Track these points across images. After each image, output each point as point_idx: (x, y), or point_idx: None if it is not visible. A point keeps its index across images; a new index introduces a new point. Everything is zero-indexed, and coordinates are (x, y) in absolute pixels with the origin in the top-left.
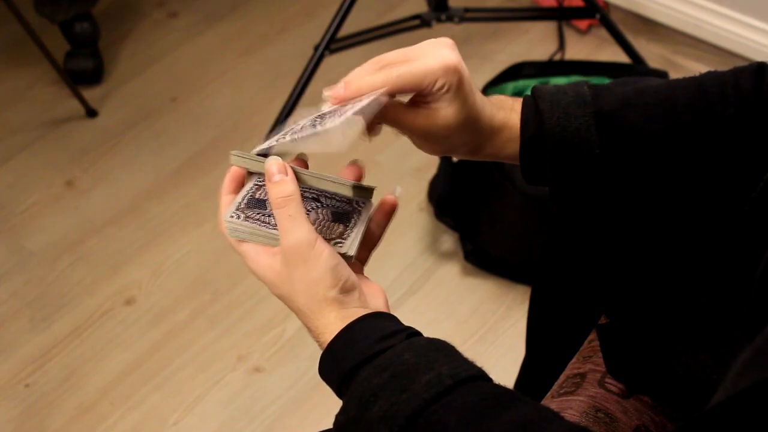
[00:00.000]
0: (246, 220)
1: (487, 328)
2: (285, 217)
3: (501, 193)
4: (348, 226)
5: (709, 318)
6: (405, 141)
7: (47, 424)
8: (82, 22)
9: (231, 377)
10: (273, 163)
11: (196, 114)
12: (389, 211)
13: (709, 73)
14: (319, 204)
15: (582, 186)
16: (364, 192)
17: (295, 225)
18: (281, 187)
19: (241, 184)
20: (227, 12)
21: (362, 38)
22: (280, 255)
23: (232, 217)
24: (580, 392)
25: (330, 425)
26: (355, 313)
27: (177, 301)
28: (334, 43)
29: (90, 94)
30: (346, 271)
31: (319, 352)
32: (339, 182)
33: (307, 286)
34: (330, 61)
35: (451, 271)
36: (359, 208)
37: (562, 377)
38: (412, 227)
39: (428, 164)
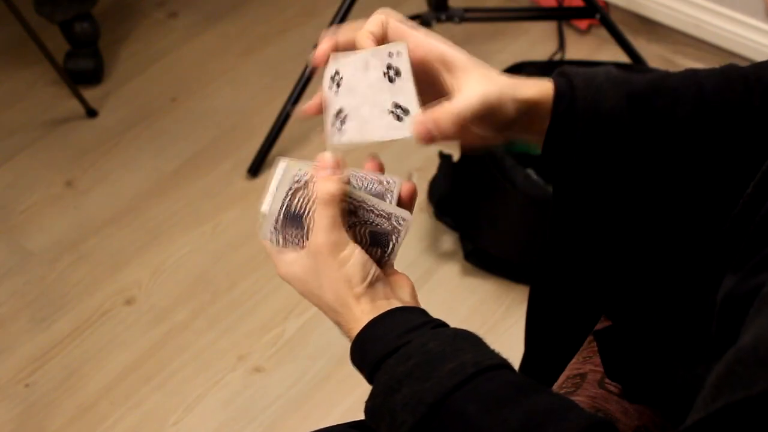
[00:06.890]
0: (284, 244)
1: (487, 328)
2: (325, 216)
3: (501, 193)
4: (386, 252)
5: (705, 331)
6: (405, 141)
7: (47, 424)
8: (82, 22)
9: (231, 377)
10: (330, 156)
11: (196, 114)
12: (411, 198)
13: (730, 64)
14: (356, 220)
15: (607, 167)
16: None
17: (333, 227)
18: (332, 184)
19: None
20: (227, 12)
21: None
22: (307, 250)
23: (271, 235)
24: (580, 392)
25: (330, 424)
26: (382, 306)
27: (177, 301)
28: None
29: (90, 94)
30: (373, 265)
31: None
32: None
33: (336, 282)
34: None
35: (451, 271)
36: (398, 228)
37: (562, 377)
38: (412, 227)
39: (428, 164)
